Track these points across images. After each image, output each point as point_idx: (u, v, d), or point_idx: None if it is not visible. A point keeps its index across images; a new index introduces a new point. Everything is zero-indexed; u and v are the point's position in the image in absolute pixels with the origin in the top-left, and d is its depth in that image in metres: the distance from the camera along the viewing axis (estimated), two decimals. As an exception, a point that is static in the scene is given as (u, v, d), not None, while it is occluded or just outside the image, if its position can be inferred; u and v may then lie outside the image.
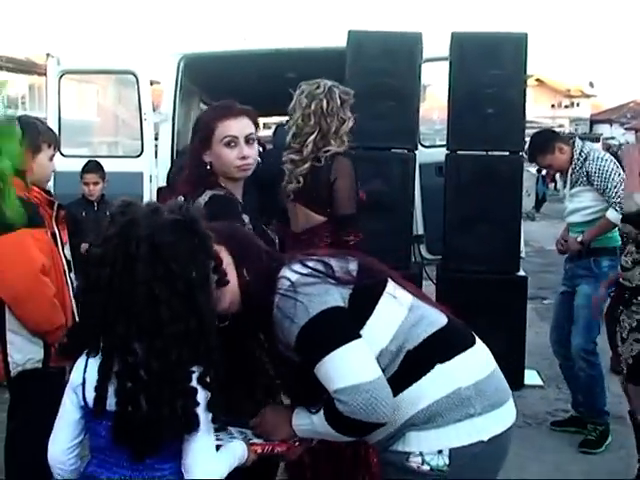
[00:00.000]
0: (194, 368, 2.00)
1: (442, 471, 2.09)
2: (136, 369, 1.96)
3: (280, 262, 2.24)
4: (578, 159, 4.95)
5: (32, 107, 20.50)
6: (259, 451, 2.27)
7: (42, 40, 52.11)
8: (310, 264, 2.17)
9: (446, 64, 6.06)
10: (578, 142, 5.04)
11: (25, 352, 3.29)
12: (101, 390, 1.98)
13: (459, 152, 5.95)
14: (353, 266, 2.22)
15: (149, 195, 6.53)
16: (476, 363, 2.24)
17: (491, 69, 5.80)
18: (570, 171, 5.03)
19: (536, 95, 40.89)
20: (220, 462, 2.09)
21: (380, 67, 5.70)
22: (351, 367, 2.04)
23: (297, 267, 2.17)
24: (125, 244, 1.95)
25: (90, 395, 2.01)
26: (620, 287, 3.92)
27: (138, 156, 6.96)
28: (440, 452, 2.09)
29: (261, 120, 11.37)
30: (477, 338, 2.34)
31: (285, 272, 2.16)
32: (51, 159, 3.49)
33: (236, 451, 2.18)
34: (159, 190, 6.46)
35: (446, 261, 6.10)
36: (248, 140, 2.86)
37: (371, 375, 2.04)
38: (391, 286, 2.25)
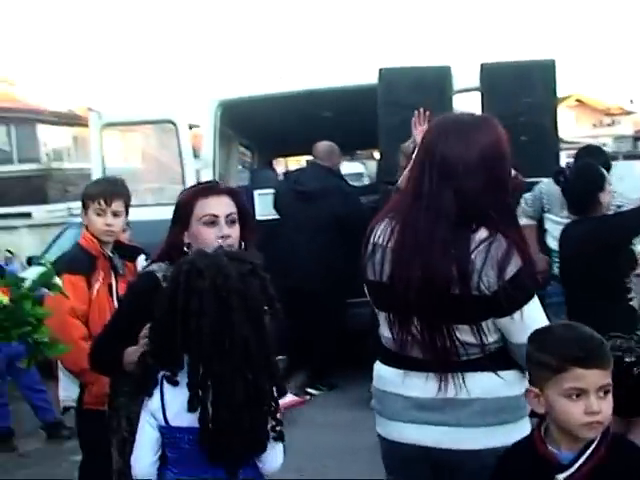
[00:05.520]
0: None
1: None
2: (230, 398, 2.20)
3: None
4: None
5: (78, 158, 20.71)
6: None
7: (82, 92, 53.38)
8: None
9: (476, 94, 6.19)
10: None
11: (68, 390, 3.61)
12: (203, 414, 2.21)
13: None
14: None
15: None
16: None
17: (522, 97, 5.90)
18: None
19: (577, 115, 40.48)
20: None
21: (412, 101, 5.76)
22: None
23: None
24: (217, 294, 2.19)
25: (173, 416, 2.27)
26: None
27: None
28: None
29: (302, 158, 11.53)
30: None
31: None
32: (99, 214, 3.52)
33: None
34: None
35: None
36: (229, 220, 2.69)
37: None
38: None
